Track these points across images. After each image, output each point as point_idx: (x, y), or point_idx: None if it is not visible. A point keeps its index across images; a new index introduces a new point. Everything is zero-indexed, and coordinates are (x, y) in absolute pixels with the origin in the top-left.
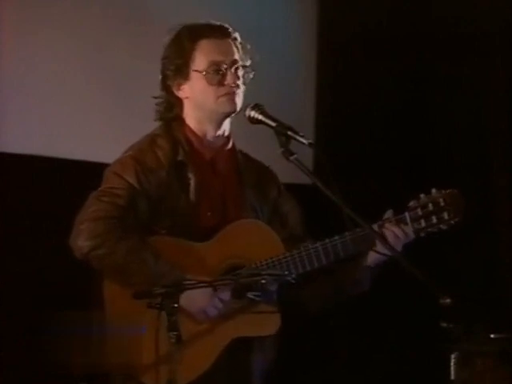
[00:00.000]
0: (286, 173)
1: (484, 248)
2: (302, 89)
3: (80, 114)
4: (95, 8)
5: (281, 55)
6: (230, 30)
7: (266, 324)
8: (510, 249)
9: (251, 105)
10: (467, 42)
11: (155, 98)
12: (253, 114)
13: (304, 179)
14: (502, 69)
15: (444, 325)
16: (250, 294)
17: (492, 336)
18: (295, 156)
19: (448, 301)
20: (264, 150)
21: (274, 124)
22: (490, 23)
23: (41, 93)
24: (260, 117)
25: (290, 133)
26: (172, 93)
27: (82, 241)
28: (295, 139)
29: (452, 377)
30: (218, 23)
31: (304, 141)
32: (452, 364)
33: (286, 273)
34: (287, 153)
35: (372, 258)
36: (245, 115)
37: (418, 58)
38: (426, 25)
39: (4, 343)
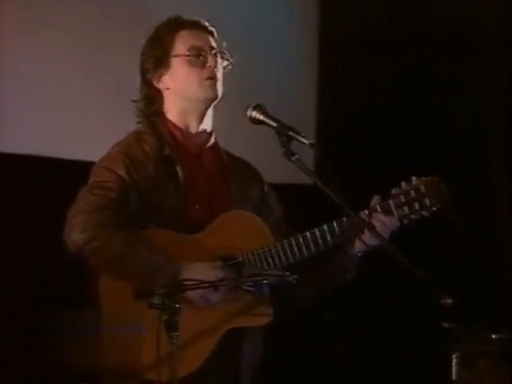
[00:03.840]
0: (287, 173)
1: (484, 248)
2: (302, 89)
3: (80, 114)
4: (95, 8)
5: (281, 55)
6: (207, 24)
7: (258, 315)
8: (510, 249)
9: (252, 105)
10: (467, 42)
11: (134, 101)
12: (254, 114)
13: (305, 179)
14: (502, 69)
15: (445, 325)
16: (244, 285)
17: (493, 336)
18: (296, 156)
19: (449, 301)
20: (264, 150)
21: (275, 124)
22: (490, 23)
23: (41, 93)
24: (261, 117)
25: (291, 133)
26: (152, 86)
27: (76, 233)
28: (296, 139)
29: (453, 377)
30: (196, 19)
31: (305, 141)
32: (453, 364)
33: (288, 273)
34: (288, 153)
35: (359, 246)
36: (246, 115)
37: (418, 58)
38: (427, 25)
39: (4, 343)
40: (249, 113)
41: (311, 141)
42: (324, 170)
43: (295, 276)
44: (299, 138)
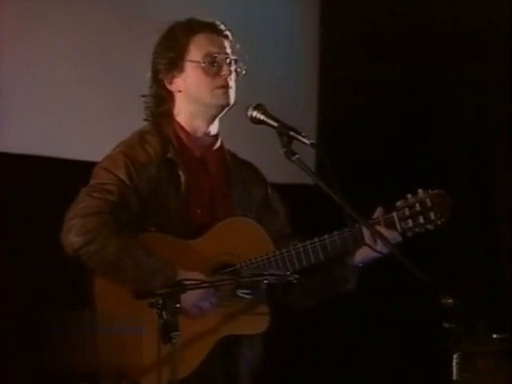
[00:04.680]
0: (288, 173)
1: (485, 248)
2: (303, 89)
3: (80, 114)
4: (96, 8)
5: (282, 56)
6: (223, 27)
7: (255, 322)
8: (510, 249)
9: (253, 105)
10: (468, 42)
11: (143, 96)
12: (255, 114)
13: (306, 179)
14: (502, 69)
15: (446, 325)
16: (239, 292)
17: (494, 336)
18: (297, 156)
19: (450, 301)
20: (265, 150)
21: (275, 124)
22: (490, 23)
23: (41, 93)
24: (262, 117)
25: (292, 133)
26: (164, 87)
27: (72, 236)
28: (297, 139)
29: (454, 377)
30: (211, 20)
31: (306, 141)
32: (454, 364)
33: (288, 273)
34: (289, 153)
35: (360, 256)
36: (247, 115)
37: (419, 58)
38: (427, 25)
39: (3, 343)
40: (249, 113)
41: (312, 141)
42: (325, 170)
43: (296, 276)
44: (300, 137)
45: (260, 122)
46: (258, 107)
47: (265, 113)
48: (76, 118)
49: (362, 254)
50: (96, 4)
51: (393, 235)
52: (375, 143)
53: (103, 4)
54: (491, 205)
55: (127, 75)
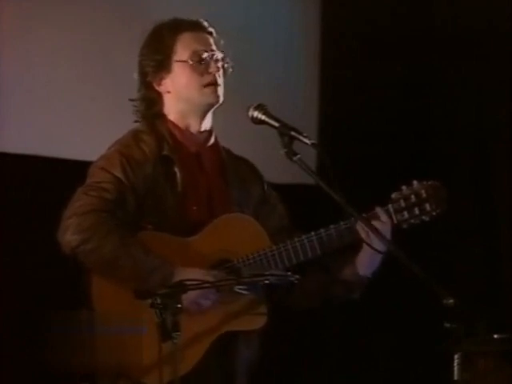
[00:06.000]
0: (288, 173)
1: (485, 248)
2: (304, 89)
3: (80, 114)
4: (96, 8)
5: (282, 55)
6: (206, 24)
7: (252, 319)
8: (510, 249)
9: (254, 105)
10: (468, 42)
11: (132, 100)
12: (256, 114)
13: (306, 179)
14: (502, 69)
15: (447, 325)
16: (236, 288)
17: (495, 336)
18: (298, 156)
19: (451, 301)
20: (266, 150)
21: (277, 124)
22: (490, 23)
23: (41, 93)
24: (263, 117)
25: (293, 133)
26: (153, 89)
27: (69, 235)
28: (298, 139)
29: (455, 377)
30: (195, 19)
31: (307, 141)
32: (455, 364)
33: (289, 273)
34: (290, 153)
35: (363, 262)
36: (248, 115)
37: (419, 58)
38: (427, 25)
39: (3, 343)
40: (250, 113)
41: (313, 141)
42: (325, 170)
43: (296, 276)
44: (301, 138)
45: (261, 122)
46: (259, 107)
47: (266, 113)
48: (76, 117)
49: (363, 259)
50: (96, 4)
51: (383, 227)
52: (375, 143)
53: (103, 4)
54: (491, 205)
55: (127, 75)
